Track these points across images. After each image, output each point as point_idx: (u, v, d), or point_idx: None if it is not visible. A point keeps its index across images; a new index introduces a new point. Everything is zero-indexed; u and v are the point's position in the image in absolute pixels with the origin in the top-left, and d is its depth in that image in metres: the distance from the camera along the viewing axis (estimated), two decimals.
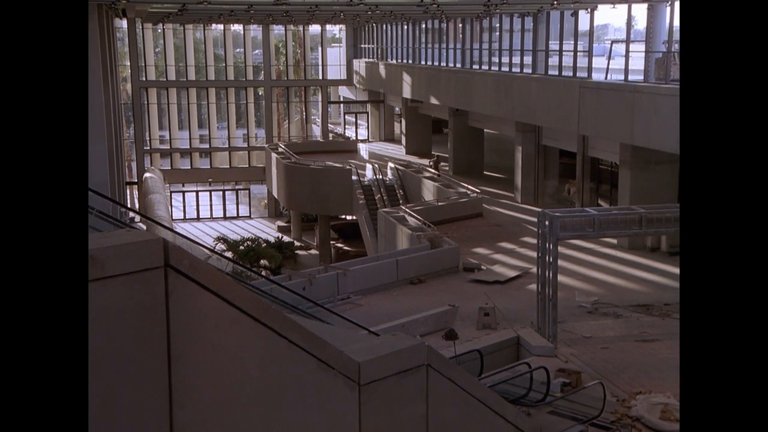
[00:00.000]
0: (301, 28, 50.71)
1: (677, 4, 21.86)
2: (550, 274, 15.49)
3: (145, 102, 47.38)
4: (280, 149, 40.93)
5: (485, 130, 37.32)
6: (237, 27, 49.95)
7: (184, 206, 47.53)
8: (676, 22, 22.58)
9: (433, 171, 33.84)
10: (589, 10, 25.96)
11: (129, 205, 42.99)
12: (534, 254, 17.93)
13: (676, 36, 22.33)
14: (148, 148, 47.64)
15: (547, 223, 15.52)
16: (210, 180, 48.30)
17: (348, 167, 35.31)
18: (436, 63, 38.13)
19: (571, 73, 26.07)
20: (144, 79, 47.20)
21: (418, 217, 24.97)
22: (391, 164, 35.73)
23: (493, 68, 32.24)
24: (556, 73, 27.25)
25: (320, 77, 51.57)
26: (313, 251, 38.83)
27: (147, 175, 44.11)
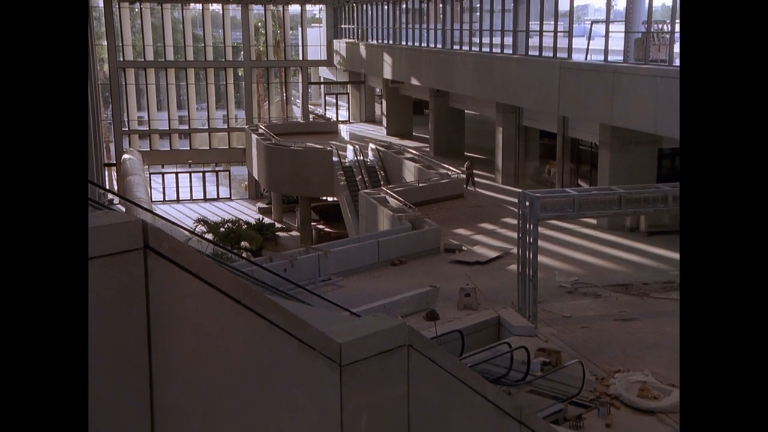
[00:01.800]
0: (280, 8, 50.28)
1: None
2: (531, 255, 15.58)
3: (123, 82, 46.85)
4: (260, 130, 40.70)
5: (466, 111, 37.30)
6: (215, 6, 49.43)
7: (164, 188, 47.22)
8: (656, 3, 22.62)
9: (467, 183, 29.33)
10: None
11: (107, 187, 42.64)
12: (514, 235, 18.02)
13: (656, 16, 22.37)
14: (127, 129, 47.19)
15: (527, 203, 15.59)
16: (190, 161, 47.98)
17: (329, 148, 35.21)
18: (417, 44, 38.00)
19: (551, 54, 26.08)
20: (121, 59, 46.64)
21: (400, 198, 24.98)
22: (372, 145, 35.66)
23: (473, 49, 32.18)
24: (537, 53, 27.26)
25: (300, 58, 51.22)
26: (294, 233, 38.77)
27: (125, 156, 43.72)
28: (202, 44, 48.97)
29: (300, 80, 51.41)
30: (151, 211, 14.44)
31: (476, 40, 32.16)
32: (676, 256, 20.34)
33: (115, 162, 46.06)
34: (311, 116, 51.94)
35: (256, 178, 41.90)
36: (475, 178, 29.74)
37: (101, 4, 45.32)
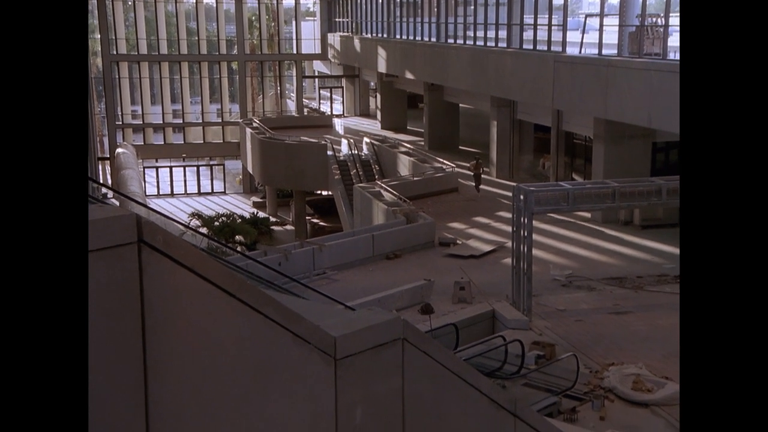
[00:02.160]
0: (274, 2, 50.13)
1: None
2: (525, 248, 15.61)
3: (117, 76, 46.68)
4: (254, 124, 40.61)
5: (460, 104, 37.29)
6: (209, 0, 49.26)
7: (158, 182, 47.10)
8: None
9: (476, 183, 27.80)
10: None
11: (101, 181, 42.53)
12: (509, 228, 18.04)
13: (650, 9, 22.37)
14: (120, 123, 47.04)
15: (522, 197, 15.60)
16: (184, 155, 47.86)
17: (323, 142, 35.16)
18: (411, 37, 37.95)
19: (545, 48, 26.07)
20: (115, 52, 46.45)
21: (394, 192, 24.98)
22: (366, 139, 35.63)
23: (468, 42, 32.15)
24: (531, 47, 27.25)
25: (294, 51, 51.07)
26: (288, 227, 38.74)
27: (119, 150, 43.60)
28: (196, 38, 48.79)
29: (294, 74, 51.28)
30: (145, 205, 14.40)
31: (470, 33, 32.12)
32: (670, 249, 20.40)
33: (108, 156, 45.93)
34: (305, 110, 51.84)
35: (251, 172, 41.82)
36: (482, 178, 27.90)
37: None
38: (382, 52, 40.51)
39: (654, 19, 21.99)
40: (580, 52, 24.48)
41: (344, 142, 36.45)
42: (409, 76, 37.67)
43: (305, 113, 50.56)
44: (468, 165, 29.05)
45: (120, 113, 47.01)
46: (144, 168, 46.00)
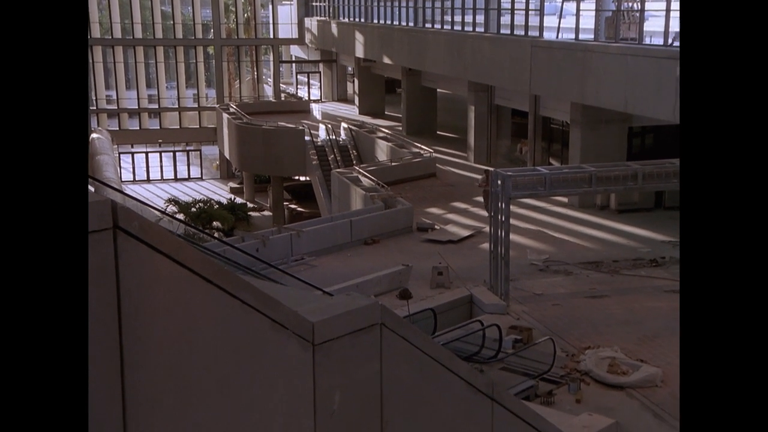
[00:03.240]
0: None
1: None
2: (503, 233, 15.68)
3: (90, 60, 46.06)
4: (231, 109, 40.32)
5: (438, 89, 37.26)
6: None
7: (134, 168, 46.67)
8: None
9: (485, 202, 21.70)
10: None
11: None
12: (486, 214, 18.11)
13: None
14: (95, 108, 46.47)
15: (499, 182, 15.65)
16: (160, 141, 47.43)
17: (301, 128, 35.01)
18: (389, 22, 37.78)
19: (522, 32, 26.09)
20: (89, 36, 45.80)
21: (372, 177, 24.96)
22: (344, 124, 35.52)
23: (445, 27, 32.09)
24: (508, 32, 27.25)
25: (271, 36, 50.68)
26: (266, 212, 38.61)
27: (94, 135, 43.11)
28: (171, 22, 48.24)
29: (271, 59, 50.91)
30: (120, 191, 14.30)
31: (448, 18, 32.06)
32: (646, 233, 20.60)
33: None
34: (283, 95, 51.52)
35: (228, 158, 41.57)
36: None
37: None
38: (359, 37, 40.32)
39: (630, 4, 22.08)
40: (557, 37, 24.53)
41: (322, 127, 36.32)
42: (386, 61, 37.54)
43: (282, 98, 50.24)
44: (479, 182, 23.47)
45: (94, 98, 46.45)
46: (119, 154, 45.54)
